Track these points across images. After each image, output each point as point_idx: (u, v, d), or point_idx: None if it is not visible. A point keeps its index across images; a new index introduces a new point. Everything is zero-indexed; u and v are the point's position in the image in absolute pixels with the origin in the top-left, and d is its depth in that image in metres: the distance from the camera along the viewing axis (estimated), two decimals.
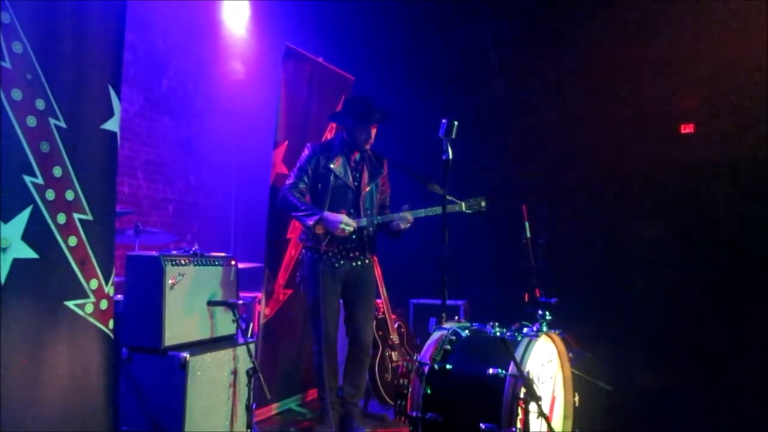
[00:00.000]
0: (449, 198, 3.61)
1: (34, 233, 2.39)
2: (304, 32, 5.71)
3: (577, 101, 5.58)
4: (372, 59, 6.03)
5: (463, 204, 3.80)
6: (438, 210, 3.68)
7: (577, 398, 3.27)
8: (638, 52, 5.37)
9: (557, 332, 3.14)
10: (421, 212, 3.81)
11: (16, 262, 2.32)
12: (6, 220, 2.30)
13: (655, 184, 5.32)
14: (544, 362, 3.03)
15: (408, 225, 3.87)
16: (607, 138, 5.43)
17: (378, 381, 4.37)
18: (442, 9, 6.06)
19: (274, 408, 4.40)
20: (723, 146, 5.04)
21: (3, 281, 2.27)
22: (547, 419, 2.70)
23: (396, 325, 4.63)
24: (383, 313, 4.55)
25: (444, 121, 3.26)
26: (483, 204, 3.82)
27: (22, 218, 2.35)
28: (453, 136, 3.26)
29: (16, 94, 2.33)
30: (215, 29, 6.16)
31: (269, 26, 6.31)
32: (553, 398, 3.14)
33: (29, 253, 2.37)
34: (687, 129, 5.28)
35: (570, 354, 3.26)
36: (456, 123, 3.25)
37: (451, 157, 3.28)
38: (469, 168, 4.74)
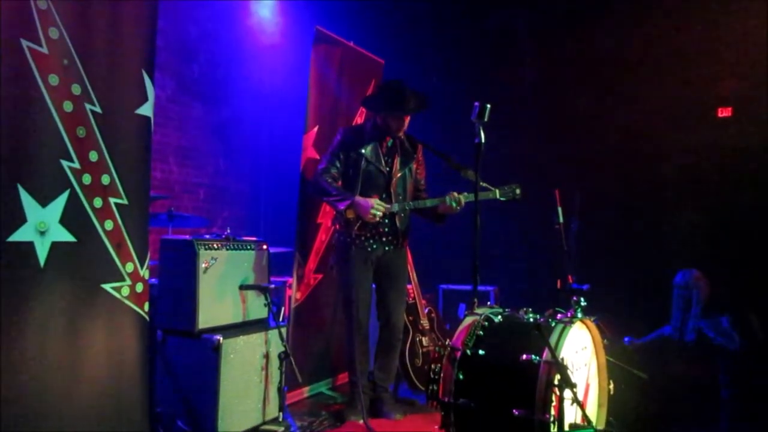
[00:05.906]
0: (483, 185, 3.56)
1: (72, 217, 2.41)
2: (334, 15, 5.67)
3: (612, 86, 5.48)
4: (403, 42, 5.99)
5: (497, 191, 3.73)
6: (471, 197, 3.64)
7: (612, 386, 3.22)
8: (675, 36, 5.24)
9: (592, 319, 3.09)
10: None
11: (55, 245, 2.35)
12: (44, 204, 2.33)
13: (691, 168, 5.22)
14: (579, 349, 2.99)
15: (459, 208, 3.75)
16: (643, 122, 5.34)
17: (408, 366, 4.38)
18: None
19: (305, 391, 4.43)
20: (761, 130, 4.91)
21: (42, 264, 2.30)
22: (582, 406, 2.66)
23: (426, 311, 4.62)
24: (414, 299, 4.54)
25: (476, 104, 3.20)
26: (518, 192, 3.74)
27: (60, 202, 2.38)
28: (485, 120, 3.20)
29: (53, 80, 2.35)
30: (245, 13, 6.16)
31: (299, 9, 6.29)
32: (588, 385, 3.10)
33: (67, 237, 2.40)
34: (724, 113, 5.16)
35: (605, 341, 3.21)
36: (488, 106, 3.19)
37: (483, 140, 3.22)
38: (501, 153, 4.68)
